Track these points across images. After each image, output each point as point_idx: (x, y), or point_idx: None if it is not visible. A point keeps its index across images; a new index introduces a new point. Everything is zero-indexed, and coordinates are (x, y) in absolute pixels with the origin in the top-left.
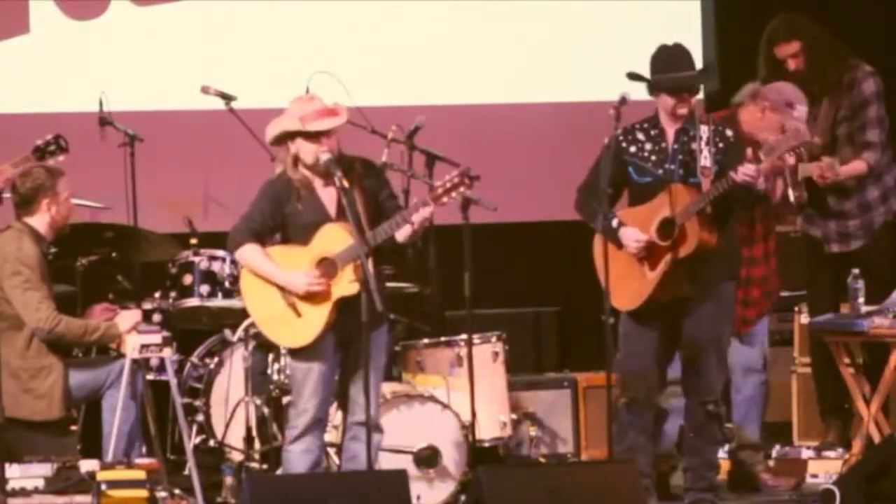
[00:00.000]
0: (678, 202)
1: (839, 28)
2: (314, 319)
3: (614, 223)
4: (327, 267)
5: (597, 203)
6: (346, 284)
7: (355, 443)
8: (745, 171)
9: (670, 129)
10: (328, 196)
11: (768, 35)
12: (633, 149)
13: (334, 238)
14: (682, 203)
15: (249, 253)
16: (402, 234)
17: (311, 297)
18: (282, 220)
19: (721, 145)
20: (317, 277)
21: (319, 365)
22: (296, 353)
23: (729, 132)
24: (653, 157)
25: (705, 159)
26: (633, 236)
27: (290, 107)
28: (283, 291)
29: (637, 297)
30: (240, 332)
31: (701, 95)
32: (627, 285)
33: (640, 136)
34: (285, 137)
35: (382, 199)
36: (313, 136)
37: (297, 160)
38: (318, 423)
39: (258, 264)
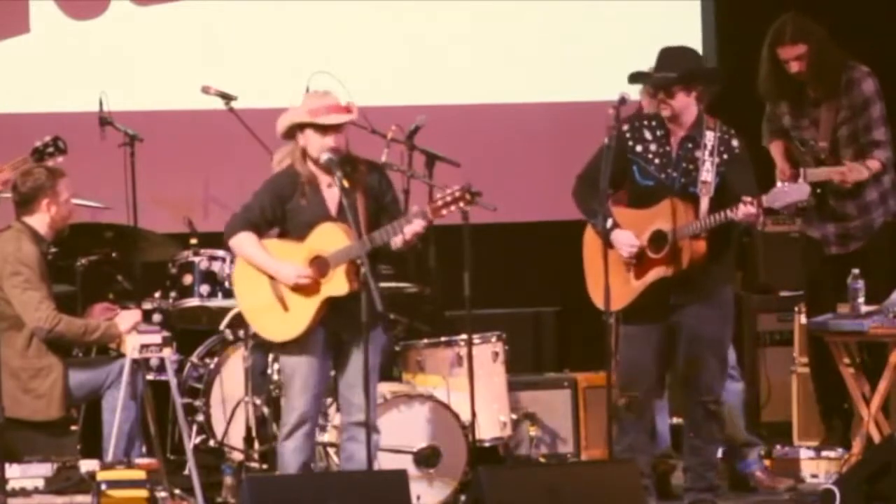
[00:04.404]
0: (674, 217)
1: (833, 28)
2: (301, 315)
3: (608, 223)
4: (320, 265)
5: (597, 203)
6: (336, 284)
7: (352, 443)
8: (746, 213)
9: (675, 132)
10: (331, 195)
11: (774, 35)
12: (639, 148)
13: (330, 237)
14: (679, 219)
15: (244, 241)
16: (395, 242)
17: (300, 293)
18: (282, 214)
19: (725, 156)
20: (308, 274)
21: (308, 363)
22: (285, 351)
23: (735, 142)
24: (656, 161)
25: (706, 172)
26: (626, 241)
27: (303, 101)
28: (273, 284)
29: (618, 301)
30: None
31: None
32: (610, 286)
33: (647, 134)
34: (295, 129)
35: (385, 203)
36: (322, 130)
37: (305, 154)
38: (309, 421)
39: (251, 252)
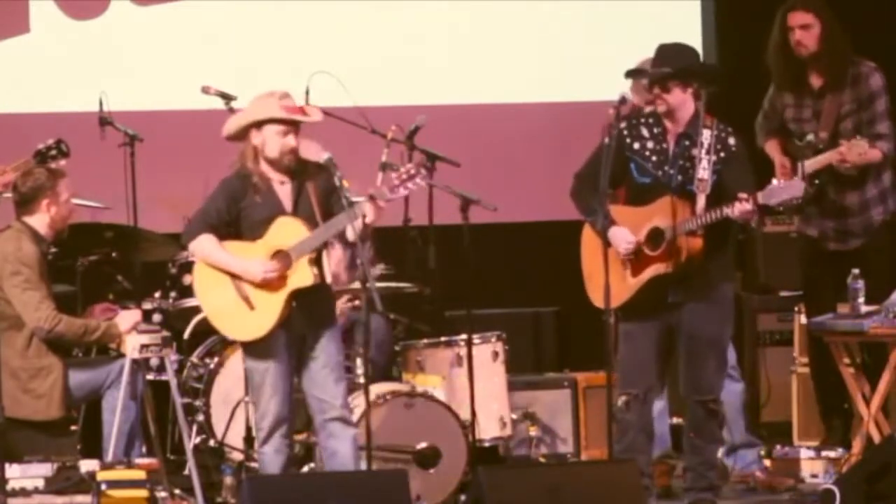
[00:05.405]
0: (671, 215)
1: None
2: (268, 312)
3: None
4: (282, 259)
5: (595, 202)
6: (301, 276)
7: (333, 440)
8: (742, 210)
9: (672, 129)
10: (284, 192)
11: (786, 4)
12: (636, 145)
13: (288, 231)
14: (676, 216)
15: (205, 243)
16: (356, 227)
17: (266, 289)
18: (237, 215)
19: (722, 154)
20: (275, 267)
21: (275, 363)
22: (250, 353)
23: (731, 140)
24: (653, 158)
25: (703, 170)
26: (623, 238)
27: (260, 100)
28: (237, 284)
29: (615, 298)
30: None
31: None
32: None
33: (645, 132)
34: (252, 127)
35: (333, 201)
36: (284, 130)
37: (257, 153)
38: (284, 422)
39: (214, 254)
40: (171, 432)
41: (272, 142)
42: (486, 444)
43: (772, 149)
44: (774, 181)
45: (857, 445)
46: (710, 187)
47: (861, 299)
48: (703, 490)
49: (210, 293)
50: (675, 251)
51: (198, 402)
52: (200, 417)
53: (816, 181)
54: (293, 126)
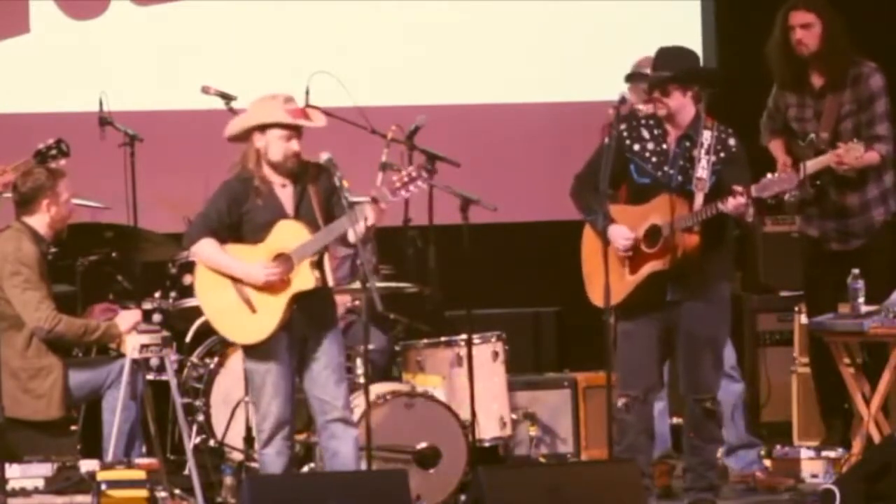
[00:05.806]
0: (669, 212)
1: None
2: (270, 314)
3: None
4: (284, 262)
5: (596, 203)
6: (303, 279)
7: (335, 440)
8: (735, 203)
9: (672, 131)
10: (286, 195)
11: (790, 1)
12: (636, 147)
13: (290, 234)
14: (673, 214)
15: (206, 247)
16: (357, 230)
17: (268, 292)
18: (238, 218)
19: (722, 155)
20: (277, 270)
21: (277, 365)
22: (251, 355)
23: (731, 141)
24: (653, 159)
25: (702, 169)
26: (621, 234)
27: (264, 103)
28: (238, 287)
29: (614, 296)
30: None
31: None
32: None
33: (645, 133)
34: (256, 130)
35: (333, 203)
36: (288, 134)
37: (259, 156)
38: (286, 424)
39: (215, 258)
40: (171, 432)
41: (275, 146)
42: (486, 444)
43: (776, 148)
44: (769, 175)
45: (857, 445)
46: (708, 187)
47: (861, 299)
48: (703, 490)
49: (212, 296)
50: (672, 248)
51: (198, 402)
52: (200, 417)
53: (818, 182)
54: (296, 131)
